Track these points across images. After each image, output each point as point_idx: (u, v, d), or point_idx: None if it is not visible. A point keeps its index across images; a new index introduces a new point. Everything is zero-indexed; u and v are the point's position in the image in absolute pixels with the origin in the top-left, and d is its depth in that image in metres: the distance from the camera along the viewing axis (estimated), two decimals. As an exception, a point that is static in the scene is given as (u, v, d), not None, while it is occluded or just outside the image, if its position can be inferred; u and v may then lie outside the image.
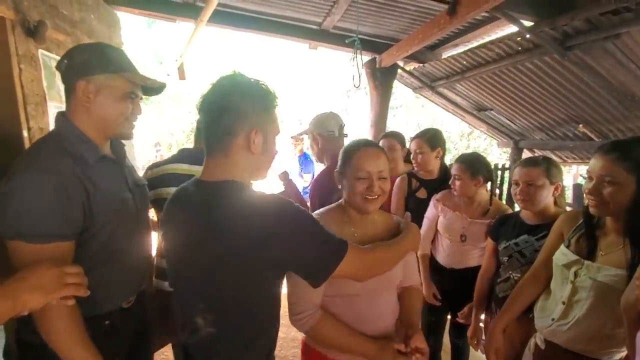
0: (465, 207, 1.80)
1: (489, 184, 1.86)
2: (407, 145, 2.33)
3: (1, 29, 1.60)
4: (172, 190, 1.30)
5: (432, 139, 1.98)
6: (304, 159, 4.22)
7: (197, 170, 1.44)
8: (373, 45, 3.59)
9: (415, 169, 2.08)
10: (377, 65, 3.64)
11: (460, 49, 3.31)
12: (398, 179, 2.11)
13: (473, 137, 11.07)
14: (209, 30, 3.39)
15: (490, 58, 2.93)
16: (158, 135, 9.55)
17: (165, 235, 0.94)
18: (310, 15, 3.21)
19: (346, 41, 2.79)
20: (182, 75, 3.18)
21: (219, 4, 3.06)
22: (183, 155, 1.52)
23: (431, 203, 1.93)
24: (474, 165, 1.72)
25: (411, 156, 2.07)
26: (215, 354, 0.88)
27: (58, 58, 2.04)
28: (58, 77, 2.10)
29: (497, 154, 10.45)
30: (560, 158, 4.06)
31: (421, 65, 3.75)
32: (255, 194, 0.84)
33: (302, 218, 0.84)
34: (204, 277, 0.83)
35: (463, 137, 11.20)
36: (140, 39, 8.47)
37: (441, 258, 1.87)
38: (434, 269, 1.91)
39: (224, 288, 0.82)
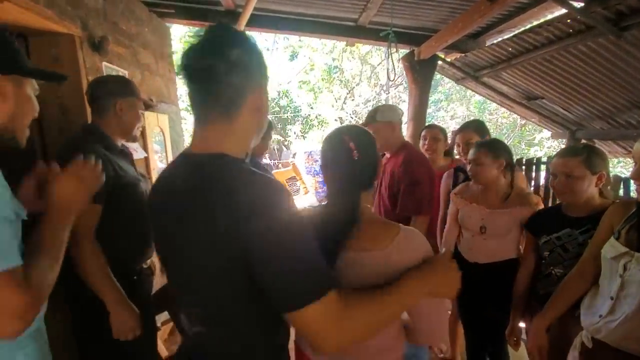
0: (483, 197, 1.73)
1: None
2: (449, 140, 2.34)
3: (72, 46, 1.84)
4: None
5: (479, 129, 2.00)
6: None
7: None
8: (411, 37, 3.52)
9: (472, 180, 1.95)
10: (416, 58, 3.56)
11: (506, 36, 3.14)
12: (445, 175, 2.11)
13: (526, 129, 10.33)
14: (251, 33, 3.56)
15: (538, 43, 2.75)
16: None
17: (152, 218, 0.81)
18: (346, 12, 3.23)
19: (380, 34, 2.77)
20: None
21: (257, 9, 3.21)
22: None
23: (450, 198, 1.89)
24: (495, 147, 1.65)
25: (458, 149, 2.06)
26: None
27: (119, 69, 2.31)
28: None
29: (555, 146, 9.66)
30: (625, 149, 3.68)
31: (463, 55, 3.61)
32: (255, 171, 0.68)
33: (294, 219, 0.64)
34: (188, 267, 0.71)
35: (515, 128, 10.50)
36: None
37: (464, 252, 1.82)
38: (461, 266, 1.84)
39: (208, 280, 0.68)
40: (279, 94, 10.78)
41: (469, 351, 1.96)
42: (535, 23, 2.85)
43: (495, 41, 3.23)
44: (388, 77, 2.61)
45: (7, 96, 0.80)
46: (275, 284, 0.62)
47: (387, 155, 1.92)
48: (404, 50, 3.73)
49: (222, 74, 0.65)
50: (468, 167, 1.73)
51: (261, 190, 0.63)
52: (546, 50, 2.74)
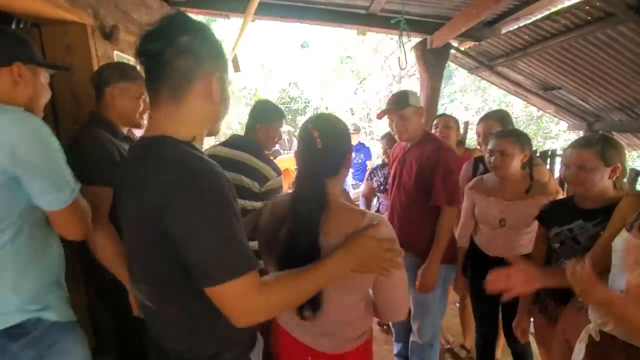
0: (500, 189, 1.69)
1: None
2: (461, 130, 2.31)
3: (84, 35, 1.86)
4: (229, 174, 1.59)
5: (502, 119, 1.95)
6: (360, 147, 4.24)
7: (238, 154, 1.61)
8: (423, 25, 3.44)
9: (494, 172, 1.97)
10: (428, 47, 3.49)
11: (522, 23, 3.04)
12: (465, 164, 2.11)
13: (543, 121, 10.07)
14: (261, 23, 3.54)
15: (556, 30, 2.65)
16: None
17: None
18: (358, 0, 3.17)
19: (391, 22, 2.72)
20: (236, 67, 3.36)
21: (268, -4, 3.18)
22: (230, 140, 1.72)
23: (465, 192, 1.84)
24: (522, 138, 1.60)
25: (479, 140, 2.02)
26: (160, 336, 0.81)
27: (130, 58, 2.33)
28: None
29: (572, 139, 9.41)
30: (645, 141, 3.56)
31: (477, 43, 3.52)
32: (189, 151, 0.70)
33: (220, 200, 0.66)
34: (133, 242, 0.77)
35: (531, 119, 10.24)
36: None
37: (483, 247, 1.79)
38: (478, 259, 1.82)
39: (148, 255, 0.73)
40: (289, 85, 10.74)
41: (480, 346, 1.95)
42: (552, 10, 2.75)
43: (511, 29, 3.13)
44: (400, 66, 2.55)
45: (28, 82, 0.98)
46: (196, 261, 0.65)
47: (404, 144, 1.82)
48: (415, 39, 3.65)
49: (170, 58, 0.69)
50: (489, 158, 1.66)
51: (188, 170, 0.66)
52: (564, 39, 2.65)
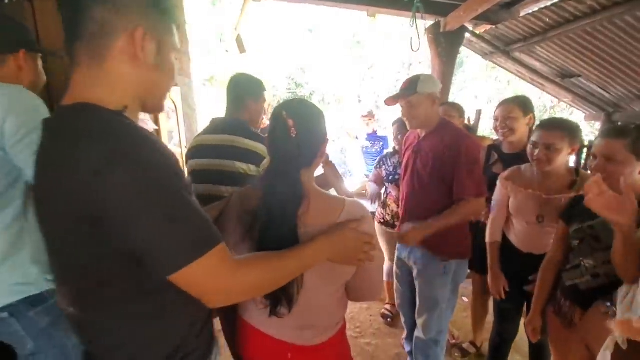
0: (540, 182, 1.56)
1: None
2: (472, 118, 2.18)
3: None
4: (199, 161, 1.47)
5: (524, 103, 1.80)
6: (377, 136, 4.02)
7: (226, 139, 1.46)
8: (437, 7, 3.27)
9: (501, 138, 1.89)
10: (442, 30, 3.32)
11: (543, 5, 2.86)
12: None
13: (556, 111, 9.79)
14: (269, 6, 3.39)
15: (580, 13, 2.49)
16: (221, 113, 10.04)
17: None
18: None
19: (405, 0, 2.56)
20: (241, 48, 3.23)
21: (275, -26, 3.03)
22: (211, 126, 1.55)
23: (498, 183, 1.72)
24: (573, 130, 1.46)
25: (495, 124, 1.89)
26: (93, 347, 0.68)
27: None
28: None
29: (586, 131, 9.14)
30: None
31: (494, 27, 3.33)
32: (117, 119, 0.59)
33: (163, 173, 0.56)
34: (52, 237, 0.63)
35: (545, 110, 9.96)
36: (206, 18, 8.86)
37: (517, 242, 1.68)
38: (509, 254, 1.71)
39: (73, 253, 0.60)
40: (296, 70, 10.53)
41: (495, 344, 1.88)
42: (578, -11, 2.57)
43: (530, 11, 2.96)
44: (412, 48, 2.41)
45: (30, 68, 1.11)
46: (147, 247, 0.55)
47: (419, 132, 1.69)
48: (428, 22, 3.48)
49: (85, 5, 0.57)
50: (532, 150, 1.51)
51: (116, 141, 0.54)
52: (588, 22, 2.49)
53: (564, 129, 1.46)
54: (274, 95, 9.81)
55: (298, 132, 0.80)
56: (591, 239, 1.31)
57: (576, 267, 1.37)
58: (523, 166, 1.67)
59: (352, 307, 2.83)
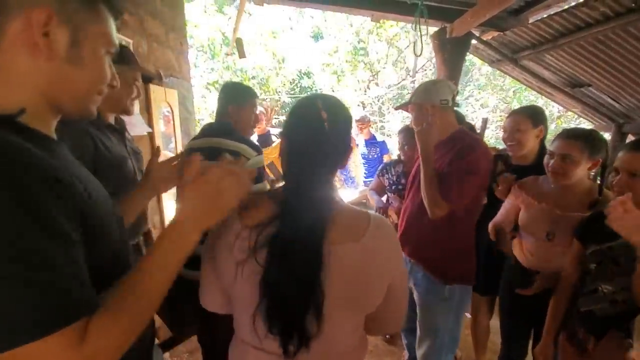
0: (556, 197, 1.44)
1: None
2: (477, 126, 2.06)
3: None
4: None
5: (535, 114, 1.67)
6: (374, 141, 3.91)
7: (212, 141, 1.46)
8: (443, 12, 3.18)
9: (509, 151, 1.78)
10: (447, 36, 3.23)
11: (553, 11, 2.77)
12: None
13: (564, 121, 9.65)
14: (274, 11, 3.32)
15: (592, 20, 2.39)
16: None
17: None
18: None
19: (408, 1, 2.47)
20: (241, 53, 3.17)
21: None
22: (201, 131, 1.61)
23: (512, 191, 1.61)
24: (594, 141, 1.33)
25: (504, 136, 1.77)
26: None
27: (122, 37, 2.15)
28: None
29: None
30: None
31: (501, 33, 3.24)
32: None
33: (16, 216, 0.42)
34: None
35: (552, 119, 9.84)
36: (213, 23, 8.85)
37: (523, 259, 1.56)
38: (515, 271, 1.60)
39: None
40: (300, 75, 10.49)
41: None
42: (590, -4, 2.48)
43: (539, 17, 2.86)
44: (415, 53, 2.33)
45: None
46: None
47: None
48: (433, 28, 3.40)
49: None
50: (548, 160, 1.40)
51: None
52: (600, 29, 2.38)
53: (584, 140, 1.33)
54: (277, 100, 9.77)
55: (330, 127, 0.69)
56: (610, 262, 1.20)
57: (593, 292, 1.25)
58: (541, 177, 1.56)
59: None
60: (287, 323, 0.67)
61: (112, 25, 0.61)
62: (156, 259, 0.56)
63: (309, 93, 10.40)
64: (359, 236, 0.69)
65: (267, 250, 0.66)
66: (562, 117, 9.61)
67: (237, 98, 1.58)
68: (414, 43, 2.28)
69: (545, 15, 2.79)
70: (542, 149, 1.72)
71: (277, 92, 9.74)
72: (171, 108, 2.82)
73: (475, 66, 10.57)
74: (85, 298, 0.47)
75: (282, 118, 10.03)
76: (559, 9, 2.65)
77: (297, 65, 10.41)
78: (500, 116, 10.22)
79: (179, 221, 0.58)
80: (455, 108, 1.49)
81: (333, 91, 10.72)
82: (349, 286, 0.68)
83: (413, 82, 10.30)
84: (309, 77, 10.61)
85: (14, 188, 0.42)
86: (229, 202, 0.61)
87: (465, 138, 1.44)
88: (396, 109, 1.66)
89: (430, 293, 1.50)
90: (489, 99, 10.73)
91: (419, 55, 2.31)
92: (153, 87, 2.53)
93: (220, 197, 0.60)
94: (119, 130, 1.39)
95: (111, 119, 1.36)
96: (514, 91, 10.10)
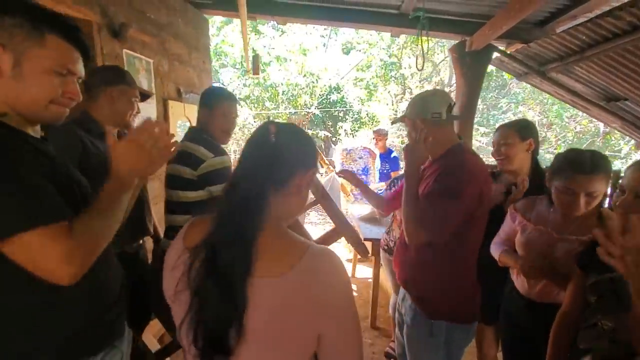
0: (555, 220, 1.34)
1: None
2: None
3: (88, 31, 1.86)
4: (170, 166, 1.52)
5: (523, 127, 1.59)
6: (388, 156, 3.90)
7: (189, 145, 1.47)
8: (462, 25, 3.13)
9: (499, 166, 1.68)
10: (467, 49, 3.15)
11: (579, 22, 2.61)
12: None
13: (611, 137, 8.92)
14: (307, 28, 3.43)
15: (619, 30, 2.21)
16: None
17: None
18: (388, -1, 2.95)
19: (409, 16, 2.45)
20: (255, 70, 3.29)
21: (293, -3, 3.07)
22: (184, 135, 1.64)
23: (508, 213, 1.52)
24: (609, 169, 1.23)
25: (492, 152, 1.70)
26: None
27: (142, 57, 2.32)
28: (142, 74, 2.37)
29: (648, 159, 8.21)
30: None
31: (526, 45, 3.10)
32: None
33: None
34: None
35: (597, 136, 9.13)
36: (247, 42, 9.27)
37: (521, 287, 1.44)
38: (512, 300, 1.51)
39: None
40: (330, 89, 10.61)
41: None
42: (615, 5, 2.31)
43: (565, 28, 2.70)
44: (417, 67, 2.28)
45: None
46: None
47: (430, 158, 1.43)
48: (451, 41, 3.33)
49: None
50: (558, 194, 1.28)
51: None
52: (629, 39, 2.20)
53: (605, 170, 1.21)
54: (305, 114, 9.94)
55: (278, 139, 0.67)
56: (611, 295, 1.08)
57: (592, 326, 1.13)
58: (540, 197, 1.46)
59: (355, 341, 2.63)
60: (209, 352, 0.65)
61: (65, 49, 0.77)
62: (109, 193, 0.79)
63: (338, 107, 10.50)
64: (284, 269, 0.62)
65: (197, 278, 0.64)
66: (611, 133, 8.88)
67: (205, 102, 1.58)
68: (416, 57, 2.23)
69: (570, 26, 2.63)
70: (535, 164, 1.64)
71: (307, 106, 9.91)
72: (190, 121, 2.97)
73: (513, 79, 10.14)
74: (60, 208, 0.71)
75: (311, 132, 10.18)
76: (585, 19, 2.49)
77: (327, 80, 10.56)
78: (539, 132, 9.68)
79: (114, 170, 0.79)
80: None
81: (362, 104, 10.72)
82: (268, 327, 0.63)
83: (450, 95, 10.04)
84: (339, 92, 10.71)
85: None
86: (149, 158, 0.80)
87: (456, 156, 1.29)
88: (392, 123, 1.62)
89: (415, 326, 1.35)
90: (527, 112, 10.20)
91: (421, 70, 2.26)
92: (172, 103, 2.69)
93: (141, 152, 0.78)
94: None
95: (113, 132, 1.49)
96: (553, 105, 9.53)
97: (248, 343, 0.62)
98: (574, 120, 9.52)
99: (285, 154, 0.68)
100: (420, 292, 1.33)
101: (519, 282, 1.45)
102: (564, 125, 9.51)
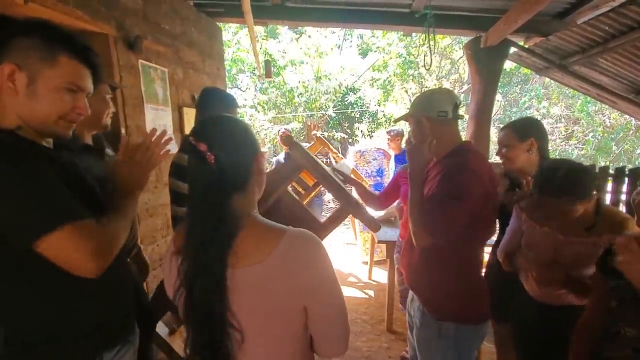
0: (562, 221, 1.28)
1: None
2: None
3: (104, 44, 1.95)
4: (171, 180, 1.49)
5: (521, 127, 1.53)
6: (403, 157, 3.83)
7: (182, 157, 1.44)
8: (475, 21, 3.05)
9: (503, 167, 1.65)
10: (482, 45, 3.07)
11: (600, 12, 2.49)
12: None
13: (644, 131, 8.44)
14: (321, 30, 3.44)
15: (645, 18, 2.10)
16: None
17: None
18: (398, -3, 2.91)
19: (416, 15, 2.40)
20: (268, 73, 3.32)
21: (302, 1, 3.09)
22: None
23: (514, 213, 1.48)
24: (580, 192, 1.20)
25: (497, 152, 1.65)
26: None
27: (157, 66, 2.40)
28: (157, 82, 2.45)
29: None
30: None
31: (545, 39, 2.99)
32: None
33: (18, 170, 0.72)
34: None
35: (628, 131, 8.66)
36: (265, 47, 9.38)
37: (529, 289, 1.41)
38: (522, 302, 1.47)
39: None
40: (346, 90, 10.57)
41: None
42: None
43: (586, 19, 2.59)
44: (425, 67, 2.24)
45: None
46: (10, 221, 0.71)
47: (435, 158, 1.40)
48: (467, 38, 3.25)
49: None
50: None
51: None
52: (657, 27, 2.08)
53: (577, 192, 1.17)
54: (321, 116, 9.95)
55: (217, 155, 0.66)
56: (632, 300, 1.02)
57: (614, 334, 1.07)
58: None
59: (371, 345, 2.60)
60: (206, 347, 0.68)
61: (76, 67, 0.82)
62: (119, 200, 0.92)
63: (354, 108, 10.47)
64: (263, 256, 0.66)
65: (184, 277, 0.68)
66: (644, 126, 8.39)
67: (200, 104, 1.60)
68: (424, 56, 2.19)
69: (591, 17, 2.51)
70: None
71: (323, 108, 9.92)
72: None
73: (534, 74, 9.77)
74: (78, 210, 0.78)
75: (327, 134, 10.16)
76: (608, 9, 2.37)
77: (343, 81, 10.52)
78: (565, 127, 9.26)
79: (118, 184, 0.94)
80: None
81: (379, 104, 10.62)
82: (255, 312, 0.67)
83: (467, 92, 9.83)
84: (355, 93, 10.65)
85: (12, 159, 0.74)
86: (144, 171, 0.96)
87: (460, 156, 1.25)
88: (395, 121, 1.57)
89: (424, 327, 1.33)
90: (552, 108, 9.80)
91: (429, 69, 2.21)
92: (186, 110, 2.75)
93: (137, 169, 0.94)
94: (97, 149, 1.39)
95: (88, 139, 1.35)
96: (578, 98, 9.11)
97: (242, 330, 0.67)
98: (602, 114, 9.07)
99: (232, 163, 0.67)
100: (427, 293, 1.32)
101: (528, 284, 1.40)
102: (590, 117, 9.07)
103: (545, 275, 1.26)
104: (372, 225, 1.47)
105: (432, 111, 1.28)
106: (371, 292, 3.55)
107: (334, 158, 3.82)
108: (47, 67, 0.78)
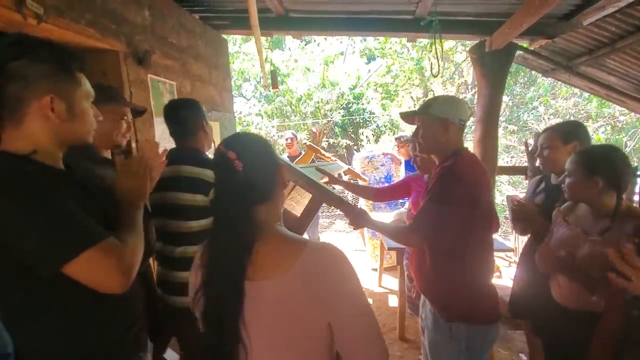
0: (589, 220, 1.27)
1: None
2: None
3: (115, 61, 1.98)
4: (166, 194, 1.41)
5: (567, 131, 1.56)
6: (407, 164, 3.81)
7: (182, 169, 1.39)
8: (480, 26, 3.05)
9: (542, 169, 1.69)
10: (487, 49, 3.06)
11: (606, 13, 2.47)
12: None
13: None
14: (326, 39, 3.47)
15: (653, 17, 2.09)
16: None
17: None
18: (401, 5, 2.93)
19: (421, 23, 2.41)
20: (274, 84, 3.35)
21: (307, 11, 3.12)
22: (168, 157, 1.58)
23: (553, 216, 1.47)
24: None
25: (536, 153, 1.70)
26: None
27: (166, 80, 2.43)
28: (166, 96, 2.48)
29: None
30: None
31: (550, 41, 2.97)
32: (6, 161, 0.75)
33: (37, 193, 0.71)
34: None
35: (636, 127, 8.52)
36: (270, 57, 9.48)
37: (558, 296, 1.38)
38: (549, 307, 1.43)
39: None
40: (351, 97, 10.60)
41: None
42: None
43: (592, 20, 2.57)
44: (432, 73, 2.24)
45: None
46: (33, 247, 0.71)
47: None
48: (471, 42, 3.25)
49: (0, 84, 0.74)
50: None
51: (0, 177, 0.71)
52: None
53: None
54: (326, 122, 9.98)
55: (245, 165, 0.69)
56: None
57: (636, 343, 1.04)
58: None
59: (384, 354, 2.57)
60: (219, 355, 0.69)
61: (84, 79, 0.87)
62: (125, 213, 0.92)
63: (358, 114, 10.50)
64: (283, 271, 0.66)
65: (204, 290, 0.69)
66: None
67: (199, 111, 1.58)
68: (431, 63, 2.19)
69: (597, 18, 2.50)
70: None
71: (329, 114, 9.95)
72: (213, 139, 3.06)
73: (539, 75, 9.70)
74: (99, 231, 0.78)
75: (332, 140, 10.19)
76: (614, 9, 2.36)
77: (348, 88, 10.56)
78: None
79: (121, 197, 0.94)
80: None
81: (384, 109, 10.63)
82: (274, 326, 0.66)
83: (473, 95, 9.78)
84: (359, 99, 10.68)
85: (30, 182, 0.74)
86: (145, 182, 0.97)
87: (449, 161, 1.30)
88: (402, 116, 1.51)
89: (434, 330, 1.36)
90: (560, 107, 9.69)
91: (436, 76, 2.21)
92: (194, 122, 2.78)
93: (138, 179, 0.95)
94: (113, 163, 1.40)
95: (107, 153, 1.40)
96: (586, 97, 9.01)
97: (259, 343, 0.67)
98: (609, 115, 8.94)
99: (259, 174, 0.71)
100: (436, 296, 1.35)
101: (555, 288, 1.38)
102: (600, 116, 8.96)
103: (547, 254, 1.29)
104: (343, 207, 1.65)
105: (456, 117, 1.33)
106: (381, 300, 3.52)
107: (325, 160, 3.79)
108: (76, 88, 0.83)
